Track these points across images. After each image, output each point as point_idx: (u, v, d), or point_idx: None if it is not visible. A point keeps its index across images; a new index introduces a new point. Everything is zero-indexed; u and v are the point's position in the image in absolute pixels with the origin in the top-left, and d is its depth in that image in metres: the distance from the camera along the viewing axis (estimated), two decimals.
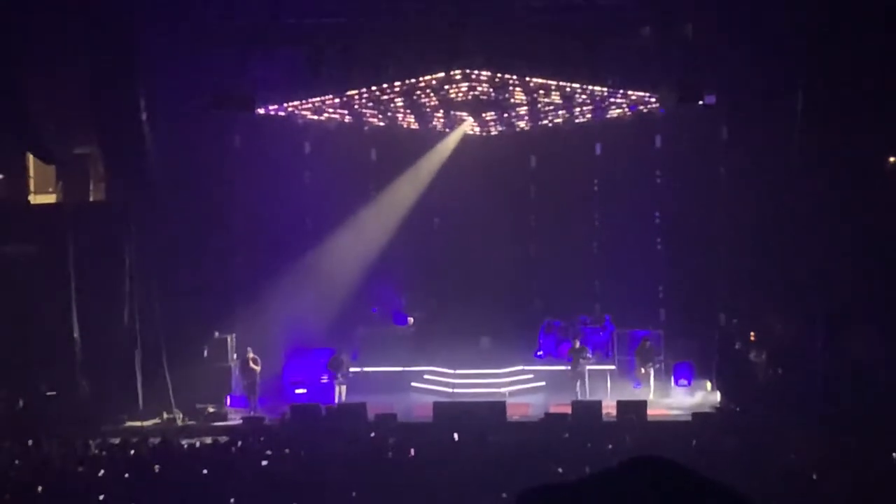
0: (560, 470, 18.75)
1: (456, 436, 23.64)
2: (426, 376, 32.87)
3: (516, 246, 37.18)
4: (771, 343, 30.58)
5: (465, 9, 27.34)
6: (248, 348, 30.53)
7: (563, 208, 36.67)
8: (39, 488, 19.69)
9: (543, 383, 32.35)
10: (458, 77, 29.57)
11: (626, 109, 33.37)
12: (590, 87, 30.77)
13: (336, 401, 30.31)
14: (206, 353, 30.68)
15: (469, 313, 34.13)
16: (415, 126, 36.18)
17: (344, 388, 30.94)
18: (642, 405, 27.70)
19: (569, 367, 30.79)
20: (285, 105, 32.20)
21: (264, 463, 21.45)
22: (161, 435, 25.42)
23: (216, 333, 30.73)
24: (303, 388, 31.92)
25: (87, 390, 29.09)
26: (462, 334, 33.30)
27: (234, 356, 30.74)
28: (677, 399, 30.69)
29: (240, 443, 23.86)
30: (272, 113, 32.16)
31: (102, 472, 20.95)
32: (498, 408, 27.70)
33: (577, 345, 31.03)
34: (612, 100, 32.39)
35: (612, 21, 28.19)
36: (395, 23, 28.19)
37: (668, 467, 2.64)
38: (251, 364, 30.17)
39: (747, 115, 30.36)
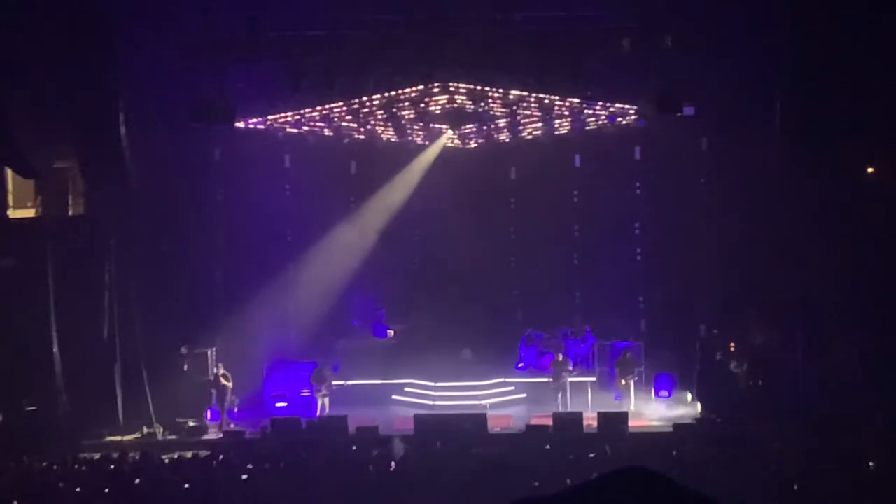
0: (536, 484, 18.72)
1: (438, 444, 23.64)
2: (407, 389, 32.82)
3: (497, 258, 37.19)
4: (751, 353, 30.65)
5: (444, 21, 27.34)
6: (219, 364, 30.41)
7: (543, 220, 36.67)
8: (16, 500, 19.64)
9: (524, 395, 32.34)
10: (438, 89, 29.60)
11: (606, 121, 33.43)
12: (569, 99, 30.82)
13: (319, 414, 30.25)
14: (186, 368, 30.59)
15: (450, 325, 34.17)
16: (394, 139, 36.19)
17: (327, 400, 30.88)
18: (623, 417, 27.74)
19: (550, 380, 30.80)
20: (265, 118, 32.17)
21: (244, 477, 21.39)
22: (141, 449, 25.31)
23: (183, 349, 30.49)
24: (283, 401, 31.86)
25: (66, 405, 28.96)
26: (443, 346, 33.24)
27: (214, 370, 30.61)
28: (658, 410, 30.71)
29: (220, 457, 23.78)
30: (252, 126, 32.11)
31: (83, 487, 20.86)
32: (479, 420, 27.70)
33: (560, 358, 31.08)
34: (591, 111, 32.43)
35: (591, 32, 28.20)
36: (375, 36, 28.17)
37: (651, 478, 2.65)
38: (222, 380, 30.01)
39: (726, 125, 30.48)
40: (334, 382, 31.78)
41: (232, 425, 29.59)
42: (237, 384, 30.93)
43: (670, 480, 2.61)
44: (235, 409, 30.96)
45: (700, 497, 2.56)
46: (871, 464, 20.68)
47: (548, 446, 24.43)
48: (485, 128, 35.27)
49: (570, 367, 31.04)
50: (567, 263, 36.70)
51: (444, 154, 36.56)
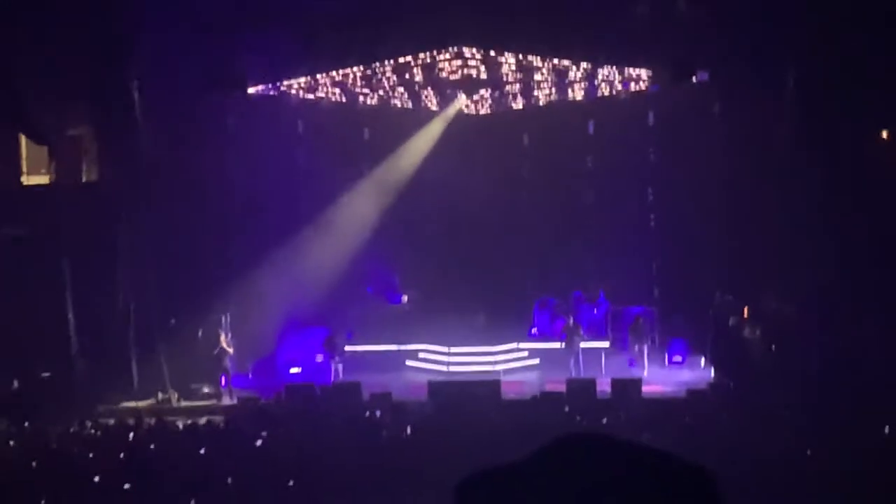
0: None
1: (451, 410, 23.69)
2: (421, 355, 32.88)
3: (510, 224, 37.12)
4: (765, 319, 30.62)
5: None
6: (220, 331, 30.36)
7: (557, 186, 36.60)
8: (34, 464, 19.76)
9: (538, 361, 32.37)
10: (451, 55, 29.53)
11: (619, 86, 33.31)
12: (583, 64, 30.72)
13: (333, 380, 30.32)
14: (200, 334, 30.62)
15: (463, 291, 34.18)
16: (408, 105, 36.12)
17: (341, 366, 30.96)
18: (637, 382, 27.74)
19: (563, 345, 30.82)
20: (278, 84, 32.13)
21: (259, 443, 21.46)
22: (156, 415, 25.41)
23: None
24: (297, 366, 31.94)
25: (81, 371, 29.09)
26: (456, 312, 33.29)
27: (229, 336, 30.59)
28: (672, 376, 30.68)
29: (233, 424, 23.86)
30: (265, 92, 32.08)
31: (98, 452, 20.96)
32: (493, 386, 27.71)
33: (571, 322, 31.07)
34: (604, 77, 32.32)
35: None
36: (387, 1, 28.11)
37: (599, 441, 2.66)
38: (224, 346, 29.92)
39: (741, 91, 30.35)
40: (347, 348, 31.86)
41: (234, 394, 29.47)
42: (251, 350, 31.02)
43: (621, 440, 2.62)
44: (249, 375, 31.07)
45: (657, 454, 2.57)
46: (886, 429, 20.64)
47: (567, 408, 24.48)
48: (498, 94, 35.17)
49: (582, 332, 31.05)
50: (581, 229, 36.55)
51: (458, 120, 36.47)
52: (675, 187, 33.27)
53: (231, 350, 29.77)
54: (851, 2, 26.83)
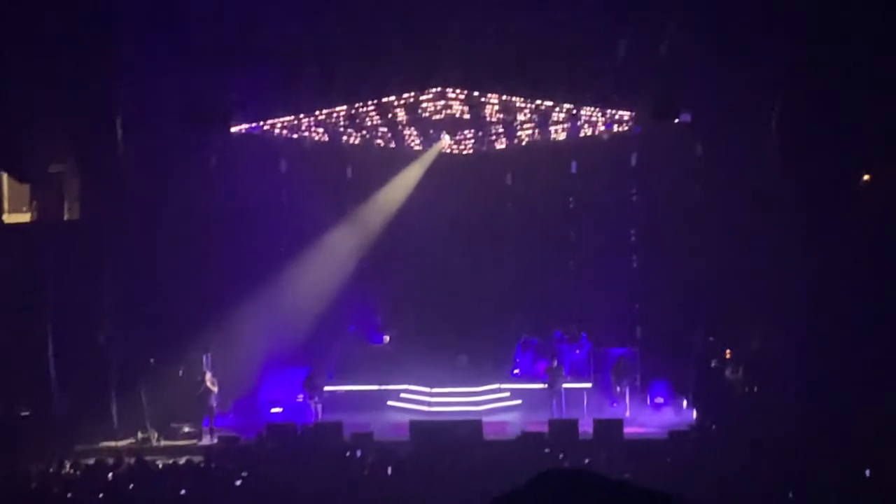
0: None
1: (432, 450, 23.60)
2: (403, 394, 32.81)
3: (492, 263, 37.13)
4: (747, 360, 30.66)
5: (441, 27, 27.36)
6: (205, 370, 30.20)
7: (539, 226, 36.64)
8: None
9: (520, 401, 32.32)
10: (435, 95, 29.60)
11: (602, 127, 33.42)
12: (566, 105, 30.83)
13: (314, 419, 30.23)
14: (181, 373, 30.49)
15: (445, 331, 34.18)
16: (391, 144, 36.17)
17: (320, 406, 30.89)
18: (619, 423, 27.71)
19: (546, 386, 30.78)
20: (261, 123, 32.16)
21: (239, 483, 21.34)
22: (136, 455, 25.26)
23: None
24: (278, 406, 31.85)
25: (61, 409, 28.91)
26: (438, 352, 33.29)
27: (210, 375, 30.46)
28: (653, 417, 30.67)
29: (214, 463, 23.73)
30: (248, 131, 32.10)
31: (77, 492, 20.81)
32: (474, 426, 27.63)
33: (555, 364, 31.03)
34: (587, 117, 32.41)
35: (588, 39, 28.25)
36: (372, 41, 28.18)
37: (579, 476, 2.67)
38: (208, 384, 29.74)
39: (723, 132, 30.49)
40: (329, 388, 31.78)
41: (215, 433, 29.31)
42: (232, 389, 30.93)
43: (601, 476, 2.63)
44: (226, 412, 30.95)
45: (635, 490, 2.58)
46: (867, 471, 20.64)
47: (547, 450, 24.41)
48: (481, 134, 35.25)
49: (565, 374, 31.04)
50: (563, 270, 36.61)
51: (441, 159, 36.53)
52: (657, 228, 33.36)
53: (216, 389, 29.62)
54: (833, 45, 26.98)
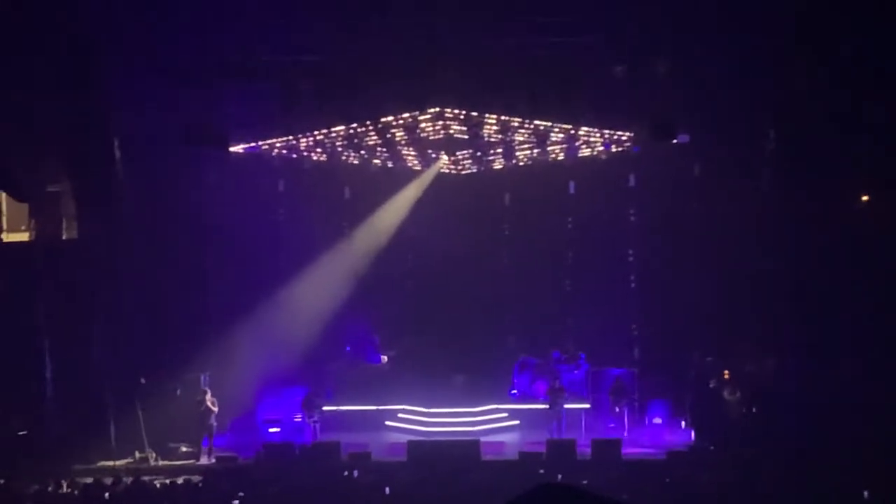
0: None
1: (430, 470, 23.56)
2: (400, 415, 32.78)
3: (490, 284, 37.12)
4: (745, 381, 30.62)
5: (438, 48, 27.40)
6: (205, 389, 30.11)
7: (537, 246, 36.60)
8: None
9: (518, 422, 32.31)
10: (433, 115, 29.63)
11: (601, 147, 33.45)
12: (563, 126, 30.86)
13: (311, 439, 30.18)
14: (178, 392, 30.42)
15: (443, 351, 34.15)
16: (389, 164, 36.19)
17: (318, 426, 30.84)
18: (617, 443, 27.69)
19: (547, 406, 30.73)
20: (258, 143, 32.19)
21: (236, 503, 21.31)
22: (133, 474, 25.22)
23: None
24: (276, 426, 31.80)
25: (58, 429, 28.84)
26: (436, 373, 33.26)
27: (209, 394, 30.38)
28: (652, 437, 30.63)
29: (213, 483, 23.70)
30: (245, 151, 32.14)
31: None
32: (472, 447, 27.61)
33: (557, 385, 30.98)
34: (585, 138, 32.45)
35: (585, 60, 28.29)
36: (369, 61, 28.22)
37: (571, 492, 2.69)
38: (208, 405, 29.65)
39: (721, 153, 30.53)
40: (327, 408, 31.73)
41: (213, 453, 29.23)
42: (230, 408, 30.88)
43: (591, 493, 2.65)
44: (224, 432, 30.87)
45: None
46: (865, 493, 20.61)
47: (542, 471, 24.37)
48: (479, 154, 35.27)
49: (566, 395, 31.03)
50: (561, 290, 36.62)
51: (439, 179, 36.54)
52: (655, 248, 33.38)
53: (216, 409, 29.54)
54: (831, 63, 27.02)
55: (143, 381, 29.65)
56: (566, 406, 30.83)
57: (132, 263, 29.64)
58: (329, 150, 34.02)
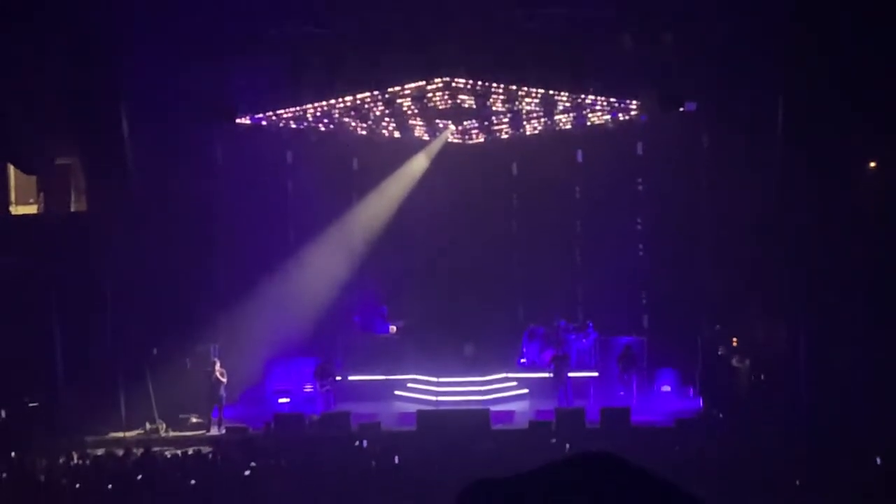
0: None
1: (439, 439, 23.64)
2: (410, 384, 32.84)
3: (499, 253, 37.13)
4: (754, 349, 30.64)
5: (446, 17, 27.33)
6: (215, 360, 30.15)
7: (546, 215, 36.55)
8: (21, 495, 19.65)
9: (527, 391, 32.34)
10: (440, 85, 29.58)
11: (608, 116, 33.40)
12: (571, 95, 30.80)
13: (322, 409, 30.26)
14: (188, 364, 30.49)
15: (452, 321, 34.15)
16: (396, 134, 36.15)
17: (331, 396, 30.91)
18: (625, 412, 27.73)
19: (552, 375, 30.79)
20: (266, 115, 32.17)
21: (247, 473, 21.39)
22: (144, 445, 25.33)
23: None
24: (286, 397, 31.87)
25: (69, 401, 28.94)
26: (445, 342, 33.25)
27: (219, 365, 30.44)
28: (660, 405, 30.67)
29: (221, 454, 23.79)
30: (253, 122, 32.13)
31: (85, 483, 20.87)
32: (482, 416, 27.67)
33: (560, 353, 31.03)
34: (593, 107, 32.39)
35: (593, 29, 28.21)
36: (377, 31, 28.16)
37: (610, 461, 2.67)
38: (217, 375, 29.69)
39: (728, 121, 30.45)
40: (337, 378, 31.79)
41: (224, 424, 29.33)
42: (240, 379, 30.96)
43: (632, 465, 2.64)
44: (234, 403, 30.94)
45: (660, 482, 2.59)
46: (878, 459, 20.62)
47: (553, 440, 24.44)
48: (486, 123, 35.22)
49: (570, 362, 31.04)
50: (569, 259, 36.57)
51: (446, 149, 36.50)
52: (663, 216, 33.35)
53: (225, 380, 29.59)
54: (838, 32, 26.90)
55: (154, 351, 29.76)
56: (574, 375, 30.89)
57: (141, 235, 29.64)
58: (336, 120, 33.97)
